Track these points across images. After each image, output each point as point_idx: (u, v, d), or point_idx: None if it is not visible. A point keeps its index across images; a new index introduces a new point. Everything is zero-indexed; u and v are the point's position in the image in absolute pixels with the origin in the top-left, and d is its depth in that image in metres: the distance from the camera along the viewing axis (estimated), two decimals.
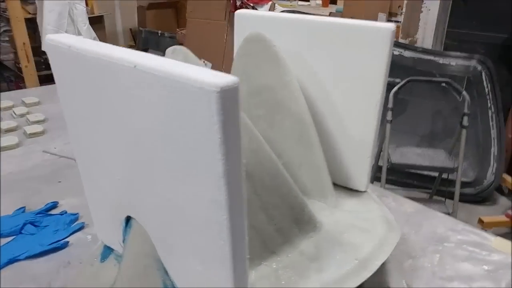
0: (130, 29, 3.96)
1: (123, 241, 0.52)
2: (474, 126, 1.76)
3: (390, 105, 1.54)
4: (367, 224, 0.57)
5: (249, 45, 0.64)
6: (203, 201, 0.37)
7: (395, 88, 1.54)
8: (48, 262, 0.64)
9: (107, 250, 0.58)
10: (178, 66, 0.34)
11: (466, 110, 1.45)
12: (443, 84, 1.65)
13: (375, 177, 1.60)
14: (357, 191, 0.71)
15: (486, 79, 1.78)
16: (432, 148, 1.59)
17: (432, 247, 0.69)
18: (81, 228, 0.72)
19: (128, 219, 0.50)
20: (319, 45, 0.66)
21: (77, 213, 0.75)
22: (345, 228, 0.56)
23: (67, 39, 0.44)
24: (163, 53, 0.51)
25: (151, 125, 0.37)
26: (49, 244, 0.67)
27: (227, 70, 0.47)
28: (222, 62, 2.90)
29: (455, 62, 1.85)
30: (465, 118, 1.44)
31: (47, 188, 0.85)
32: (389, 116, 1.51)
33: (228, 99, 0.31)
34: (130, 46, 3.86)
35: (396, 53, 1.90)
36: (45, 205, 0.77)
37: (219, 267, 0.40)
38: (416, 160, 1.46)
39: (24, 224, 0.71)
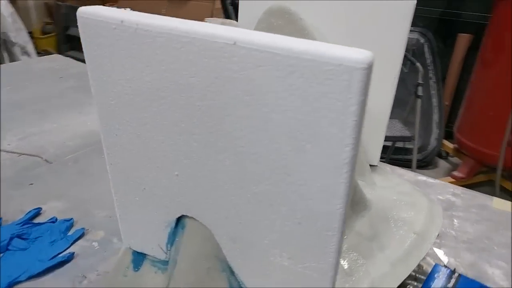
0: (46, 3, 3.53)
1: (171, 244, 0.46)
2: None
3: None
4: (409, 198, 0.57)
5: (271, 18, 0.59)
6: (312, 191, 0.33)
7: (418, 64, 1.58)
8: (57, 279, 0.55)
9: (139, 257, 0.51)
10: (296, 41, 0.29)
11: (420, 81, 1.54)
12: None
13: None
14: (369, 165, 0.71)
15: (428, 51, 1.91)
16: None
17: (445, 213, 0.72)
18: (82, 235, 0.63)
19: (178, 220, 0.44)
20: (337, 20, 0.63)
21: (71, 218, 0.65)
22: (391, 204, 0.55)
23: (110, 12, 0.36)
24: None
25: (251, 110, 0.32)
26: (51, 259, 0.57)
27: None
28: None
29: None
30: (420, 88, 1.54)
31: (18, 193, 0.73)
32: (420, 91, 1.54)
33: (368, 76, 0.28)
34: (47, 24, 3.45)
35: None
36: (27, 213, 0.66)
37: (317, 260, 0.37)
38: None
39: (11, 239, 0.60)
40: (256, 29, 0.60)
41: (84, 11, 0.36)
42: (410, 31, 1.80)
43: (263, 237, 0.39)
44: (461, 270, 0.58)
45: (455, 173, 1.75)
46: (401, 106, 1.83)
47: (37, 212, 0.67)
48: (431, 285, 0.51)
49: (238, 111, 0.33)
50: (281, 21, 0.58)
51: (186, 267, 0.44)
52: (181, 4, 2.75)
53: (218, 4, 2.74)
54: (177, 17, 0.34)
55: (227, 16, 2.35)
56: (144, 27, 0.34)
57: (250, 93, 0.32)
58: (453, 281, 0.52)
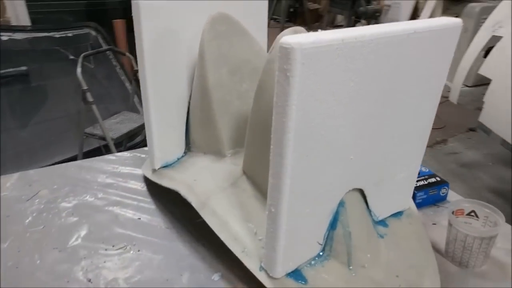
0: None
1: (331, 229, 0.51)
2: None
3: (84, 86, 1.43)
4: None
5: (216, 26, 0.61)
6: (427, 112, 0.54)
7: (79, 70, 1.43)
8: None
9: (296, 273, 0.50)
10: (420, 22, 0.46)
11: (136, 68, 1.61)
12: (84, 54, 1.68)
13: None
14: None
15: (103, 42, 1.94)
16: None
17: None
18: None
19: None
20: None
21: None
22: None
23: (323, 35, 0.37)
24: None
25: (419, 75, 0.47)
26: None
27: None
28: None
29: (71, 33, 1.84)
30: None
31: None
32: (89, 97, 1.42)
33: None
34: None
35: (4, 38, 1.64)
36: None
37: (419, 157, 0.59)
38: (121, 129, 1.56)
39: None
40: (205, 39, 0.61)
41: (302, 42, 0.35)
42: (79, 27, 1.84)
43: (396, 165, 0.55)
44: None
45: None
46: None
47: None
48: None
49: (411, 79, 0.47)
50: (225, 27, 0.62)
51: (362, 229, 0.52)
52: None
53: None
54: None
55: None
56: (361, 38, 0.39)
57: (421, 61, 0.47)
58: None
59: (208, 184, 0.60)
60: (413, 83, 0.48)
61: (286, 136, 0.39)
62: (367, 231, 0.54)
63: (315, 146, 0.42)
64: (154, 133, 0.69)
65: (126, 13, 2.15)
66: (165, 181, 0.66)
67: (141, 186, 0.78)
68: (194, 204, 0.57)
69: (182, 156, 0.75)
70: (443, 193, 0.72)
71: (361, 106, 0.44)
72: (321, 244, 0.52)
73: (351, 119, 0.44)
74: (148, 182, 0.77)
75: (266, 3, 0.75)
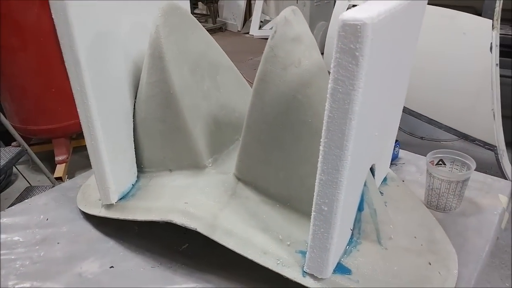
0: None
1: (359, 210, 0.50)
2: None
3: None
4: None
5: (170, 19, 0.52)
6: (404, 87, 0.56)
7: None
8: None
9: (342, 268, 0.48)
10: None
11: None
12: None
13: None
14: None
15: None
16: None
17: None
18: None
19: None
20: None
21: None
22: None
23: (376, 6, 0.34)
24: None
25: (406, 49, 0.48)
26: None
27: None
28: None
29: None
30: None
31: None
32: None
33: None
34: None
35: None
36: None
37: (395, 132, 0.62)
38: None
39: None
40: (160, 35, 0.51)
41: (372, 16, 0.31)
42: None
43: (389, 133, 0.56)
44: None
45: (59, 158, 1.73)
46: None
47: None
48: None
49: (406, 50, 0.48)
50: (177, 19, 0.52)
51: (381, 203, 0.51)
52: None
53: None
54: None
55: None
56: (397, 7, 0.37)
57: (410, 30, 0.47)
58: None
59: (206, 203, 0.51)
60: (406, 54, 0.49)
61: (349, 124, 0.36)
62: (383, 203, 0.55)
63: (363, 129, 0.40)
64: (105, 163, 0.55)
65: None
66: (141, 215, 0.54)
67: (88, 229, 0.63)
68: (201, 230, 0.48)
69: (136, 181, 0.62)
70: (396, 152, 0.78)
71: (386, 78, 0.43)
72: (351, 229, 0.51)
73: (381, 94, 0.43)
74: (98, 222, 0.63)
75: None
